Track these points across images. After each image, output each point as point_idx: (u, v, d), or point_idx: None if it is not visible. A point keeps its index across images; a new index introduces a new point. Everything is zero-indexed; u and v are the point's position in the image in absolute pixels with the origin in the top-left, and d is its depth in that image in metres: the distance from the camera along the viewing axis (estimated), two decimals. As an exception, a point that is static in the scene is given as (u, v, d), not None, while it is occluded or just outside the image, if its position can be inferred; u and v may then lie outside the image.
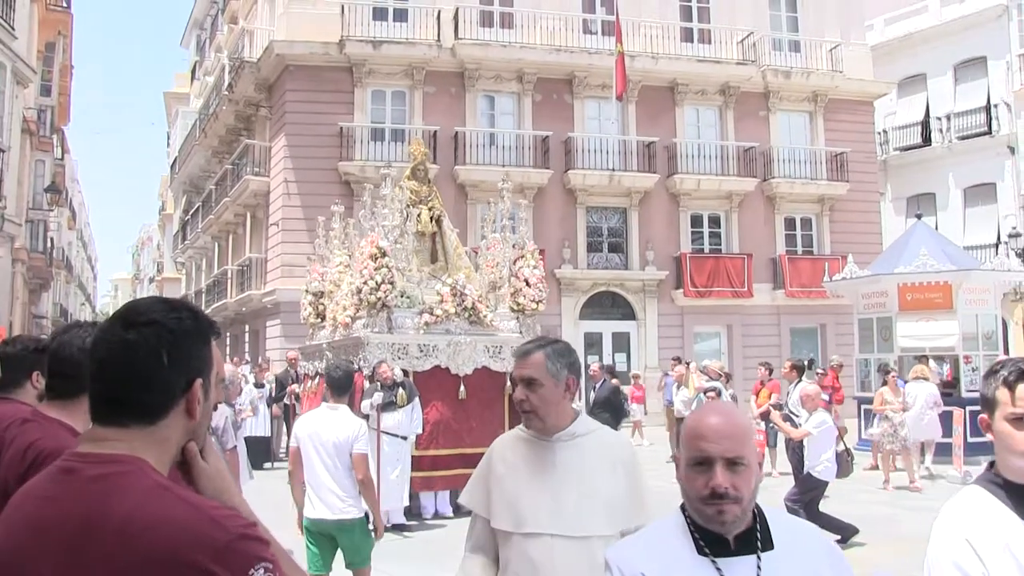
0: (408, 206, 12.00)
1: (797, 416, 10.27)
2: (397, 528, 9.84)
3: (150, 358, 1.53)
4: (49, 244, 31.23)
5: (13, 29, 20.10)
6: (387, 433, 9.96)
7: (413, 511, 10.56)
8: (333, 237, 13.68)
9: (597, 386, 13.54)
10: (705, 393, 12.01)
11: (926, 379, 14.19)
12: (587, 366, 15.73)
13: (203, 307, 32.72)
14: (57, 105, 30.33)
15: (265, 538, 1.52)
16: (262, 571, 1.44)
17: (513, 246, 12.29)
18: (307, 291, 13.61)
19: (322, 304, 13.18)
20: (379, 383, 10.12)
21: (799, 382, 12.48)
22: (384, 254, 10.97)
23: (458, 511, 10.63)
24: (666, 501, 2.77)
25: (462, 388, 11.00)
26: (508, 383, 10.90)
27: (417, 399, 10.52)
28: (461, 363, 11.13)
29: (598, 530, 2.79)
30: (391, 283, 10.96)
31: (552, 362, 2.88)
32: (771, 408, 12.83)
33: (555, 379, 2.87)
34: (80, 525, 1.43)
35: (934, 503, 11.47)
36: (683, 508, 2.08)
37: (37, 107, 27.25)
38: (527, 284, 11.81)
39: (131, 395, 1.53)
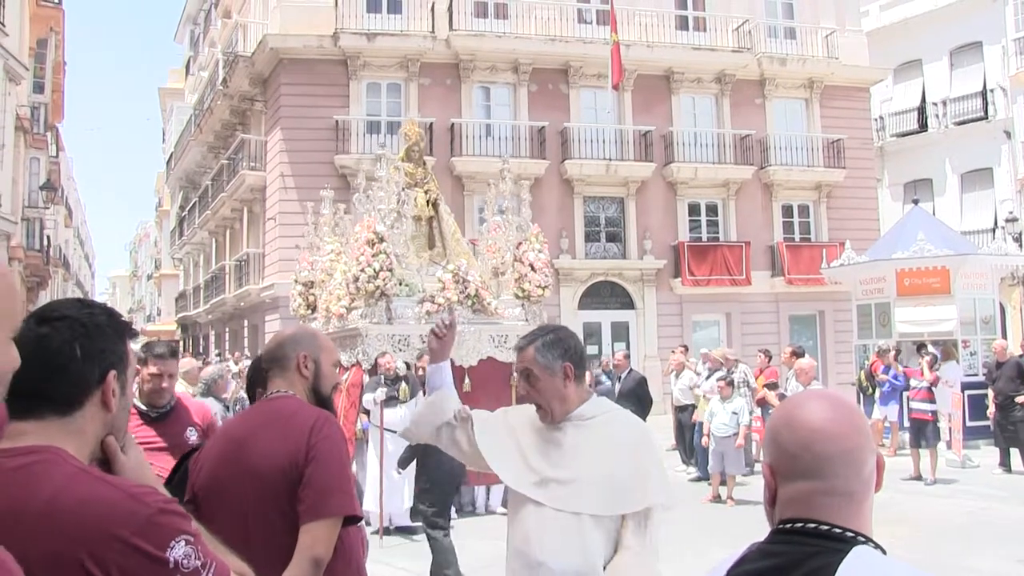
0: (403, 189, 11.36)
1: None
2: (402, 531, 9.49)
3: (62, 350, 1.60)
4: (46, 242, 31.12)
5: (4, 26, 19.98)
6: (390, 430, 9.38)
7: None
8: (323, 224, 13.06)
9: (623, 376, 13.01)
10: (718, 380, 11.83)
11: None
12: (611, 355, 15.33)
13: (201, 303, 32.92)
14: (51, 102, 30.23)
15: (186, 513, 1.58)
16: (183, 543, 1.49)
17: (517, 228, 11.68)
18: (297, 281, 13.05)
19: (313, 294, 12.61)
20: (381, 377, 9.61)
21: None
22: (381, 239, 10.42)
23: (461, 511, 10.26)
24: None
25: (467, 380, 10.39)
26: (514, 374, 10.29)
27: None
28: (465, 354, 10.55)
29: (590, 509, 2.81)
30: (390, 270, 10.42)
31: (542, 354, 2.93)
32: (764, 388, 12.74)
33: (549, 370, 2.91)
34: (4, 515, 1.46)
35: (936, 489, 11.42)
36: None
37: (30, 104, 27.16)
38: (532, 269, 11.27)
39: (45, 387, 1.59)
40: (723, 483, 11.12)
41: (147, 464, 1.79)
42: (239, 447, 2.58)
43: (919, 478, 12.12)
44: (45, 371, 1.58)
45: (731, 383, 11.60)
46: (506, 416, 3.14)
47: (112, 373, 1.64)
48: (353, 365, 10.12)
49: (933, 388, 12.83)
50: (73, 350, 1.59)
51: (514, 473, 2.95)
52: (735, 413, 11.10)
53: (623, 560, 2.82)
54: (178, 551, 1.48)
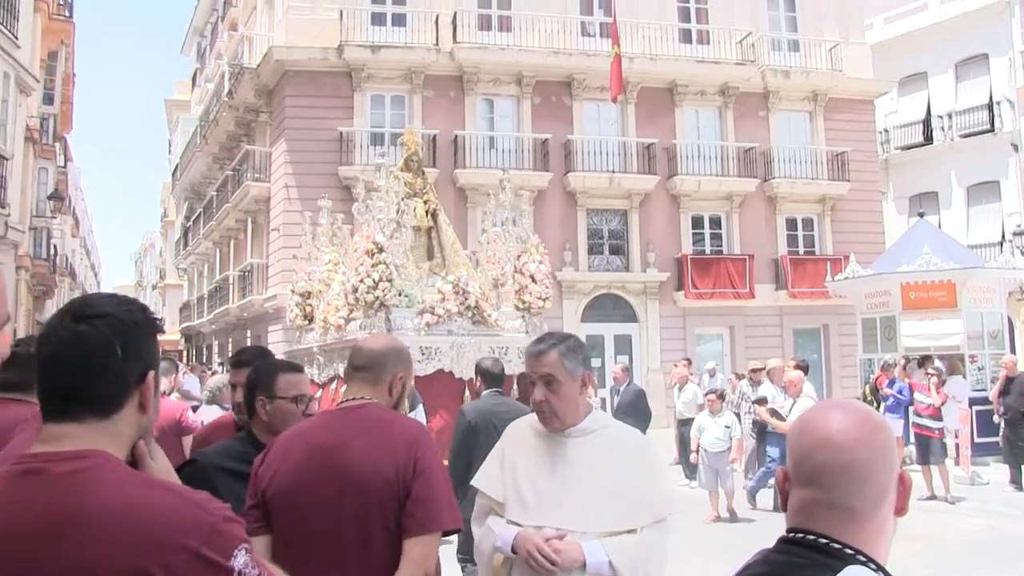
0: (403, 199, 11.20)
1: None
2: None
3: (104, 349, 1.51)
4: (53, 252, 31.18)
5: (16, 39, 20.04)
6: None
7: None
8: (320, 234, 12.97)
9: (621, 389, 12.86)
10: (706, 395, 11.76)
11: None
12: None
13: (205, 313, 32.93)
14: (60, 113, 30.28)
15: (242, 521, 1.54)
16: (244, 552, 1.47)
17: (516, 239, 11.61)
18: (293, 291, 12.94)
19: (310, 305, 12.51)
20: None
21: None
22: (381, 249, 10.33)
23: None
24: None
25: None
26: (515, 386, 9.88)
27: (421, 406, 9.67)
28: (465, 366, 10.42)
29: (601, 527, 2.75)
30: (389, 280, 10.31)
31: (568, 359, 2.86)
32: (756, 403, 12.65)
33: (572, 376, 2.85)
34: (58, 525, 1.40)
35: (945, 505, 11.29)
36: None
37: (40, 115, 27.20)
38: (532, 280, 11.19)
39: (86, 387, 1.51)
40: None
41: (172, 470, 1.74)
42: (331, 455, 2.52)
43: (934, 497, 11.92)
44: (84, 371, 1.51)
45: (722, 396, 11.47)
46: (502, 452, 3.04)
47: (151, 373, 1.58)
48: (335, 378, 10.02)
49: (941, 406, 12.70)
50: (114, 349, 1.52)
51: (525, 508, 2.84)
52: (727, 427, 10.91)
53: (629, 539, 2.74)
54: (240, 560, 1.45)
